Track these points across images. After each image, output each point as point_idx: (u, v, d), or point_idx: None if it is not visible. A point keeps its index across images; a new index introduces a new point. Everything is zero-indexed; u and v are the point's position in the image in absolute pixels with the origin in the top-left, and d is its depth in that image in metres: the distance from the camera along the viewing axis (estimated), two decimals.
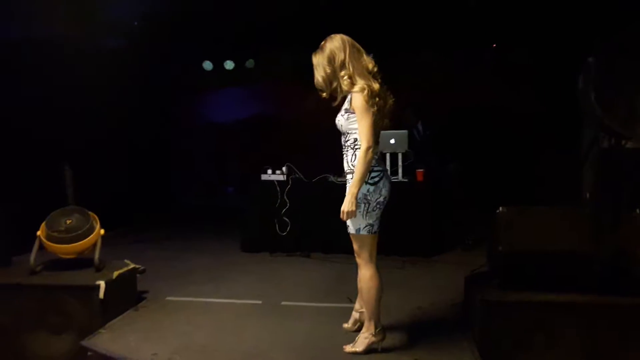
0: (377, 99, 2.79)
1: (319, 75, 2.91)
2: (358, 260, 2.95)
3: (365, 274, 2.89)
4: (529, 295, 2.96)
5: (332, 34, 2.94)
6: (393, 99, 2.94)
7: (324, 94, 2.94)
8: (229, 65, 8.42)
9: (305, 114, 8.12)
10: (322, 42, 2.92)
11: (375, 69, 2.87)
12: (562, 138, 6.32)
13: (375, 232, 2.90)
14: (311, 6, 6.21)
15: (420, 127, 6.47)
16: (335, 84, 2.89)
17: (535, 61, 7.14)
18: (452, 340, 3.10)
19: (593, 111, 3.79)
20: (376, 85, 2.80)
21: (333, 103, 2.97)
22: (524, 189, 6.57)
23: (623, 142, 3.82)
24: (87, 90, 6.14)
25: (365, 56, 2.88)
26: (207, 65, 8.45)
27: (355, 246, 2.93)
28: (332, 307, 3.71)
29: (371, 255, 2.90)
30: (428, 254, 5.28)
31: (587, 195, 4.00)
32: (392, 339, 3.08)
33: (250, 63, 8.40)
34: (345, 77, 2.82)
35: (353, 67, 2.82)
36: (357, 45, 2.88)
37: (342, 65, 2.84)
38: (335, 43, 2.86)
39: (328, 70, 2.87)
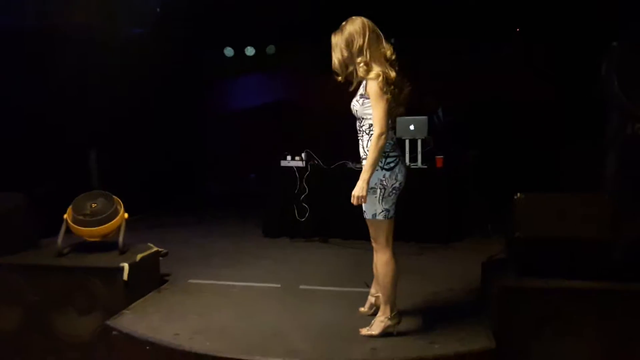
0: (392, 87, 2.78)
1: (335, 58, 2.90)
2: (374, 245, 2.97)
3: (382, 259, 2.92)
4: (546, 282, 2.95)
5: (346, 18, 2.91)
6: (409, 87, 2.91)
7: (340, 78, 2.93)
8: (250, 51, 8.45)
9: (325, 100, 8.15)
10: (343, 23, 2.88)
11: (394, 57, 2.85)
12: (585, 125, 6.22)
13: (391, 217, 2.92)
14: None
15: (440, 114, 6.43)
16: (351, 68, 2.89)
17: (558, 48, 7.02)
18: (469, 326, 3.11)
19: (616, 97, 3.73)
20: (392, 74, 2.79)
21: (350, 88, 2.97)
22: (545, 177, 6.50)
23: None
24: (112, 77, 6.24)
25: (384, 43, 2.85)
26: (228, 51, 8.50)
27: (371, 231, 2.95)
28: (349, 292, 3.76)
29: (387, 240, 2.92)
30: (446, 241, 5.29)
31: (607, 182, 3.94)
32: (407, 323, 3.11)
33: (270, 49, 8.41)
34: (362, 64, 2.81)
35: (370, 53, 2.80)
36: (377, 30, 2.85)
37: (360, 51, 2.81)
38: (355, 27, 2.83)
39: (345, 54, 2.86)
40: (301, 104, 8.54)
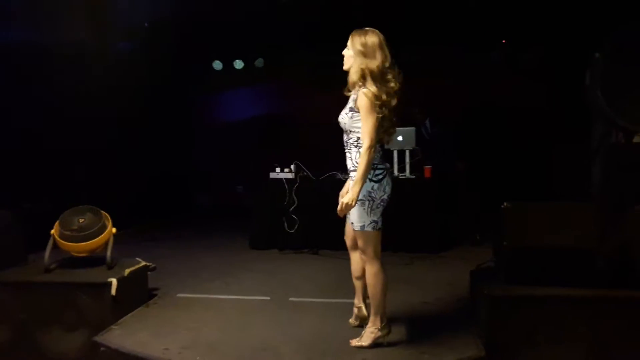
0: (383, 107, 2.81)
1: (345, 60, 2.94)
2: (362, 256, 2.99)
3: (371, 270, 2.93)
4: (534, 290, 2.97)
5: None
6: (396, 100, 2.90)
7: (345, 67, 2.94)
8: (239, 64, 8.48)
9: (313, 112, 8.19)
10: (362, 31, 2.89)
11: (396, 88, 2.85)
12: (572, 134, 6.30)
13: (379, 229, 2.93)
14: (321, 4, 6.24)
15: (427, 125, 6.48)
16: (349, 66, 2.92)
17: (545, 57, 7.12)
18: (458, 335, 3.12)
19: (600, 106, 3.79)
20: (387, 99, 2.81)
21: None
22: (534, 186, 6.57)
23: (633, 137, 3.82)
24: (100, 92, 6.23)
25: (390, 67, 2.86)
26: (217, 65, 8.52)
27: (360, 243, 2.96)
28: (339, 303, 3.74)
29: (376, 251, 2.93)
30: (435, 250, 5.31)
31: (594, 190, 3.99)
32: (398, 333, 3.11)
33: (259, 62, 8.45)
34: (360, 76, 2.83)
35: (371, 70, 2.82)
36: (387, 52, 2.86)
37: (365, 64, 2.83)
38: (369, 39, 2.84)
39: (352, 61, 2.89)
40: (290, 116, 8.58)
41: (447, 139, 6.36)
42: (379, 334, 2.97)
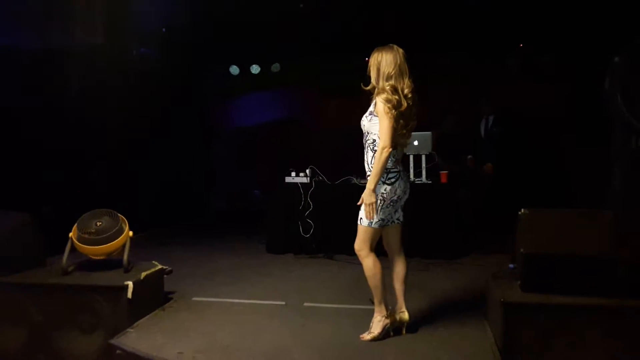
0: (400, 120, 3.02)
1: (369, 71, 3.18)
2: (360, 253, 3.15)
3: (368, 263, 3.13)
4: (550, 298, 2.93)
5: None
6: (415, 122, 3.15)
7: (368, 87, 3.18)
8: (255, 69, 8.54)
9: (329, 116, 8.21)
10: (385, 47, 3.14)
11: (410, 94, 3.07)
12: (591, 139, 6.21)
13: (383, 226, 3.15)
14: (335, 10, 6.26)
15: (490, 120, 6.38)
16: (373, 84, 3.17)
17: (563, 63, 7.04)
18: (474, 342, 3.10)
19: (620, 111, 3.73)
20: (404, 104, 3.03)
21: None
22: (551, 192, 6.49)
23: None
24: (119, 97, 6.32)
25: (407, 79, 3.09)
26: (234, 69, 8.59)
27: (360, 236, 3.13)
28: (354, 309, 3.74)
29: (371, 245, 3.14)
30: (451, 257, 5.25)
31: (613, 196, 3.93)
32: (412, 340, 3.12)
33: (275, 67, 8.50)
34: (381, 86, 3.08)
35: (392, 81, 3.06)
36: (406, 66, 3.11)
37: (383, 77, 3.09)
38: (389, 56, 3.09)
39: (373, 74, 3.15)
40: (306, 121, 8.60)
41: (505, 142, 6.28)
42: (387, 321, 3.17)
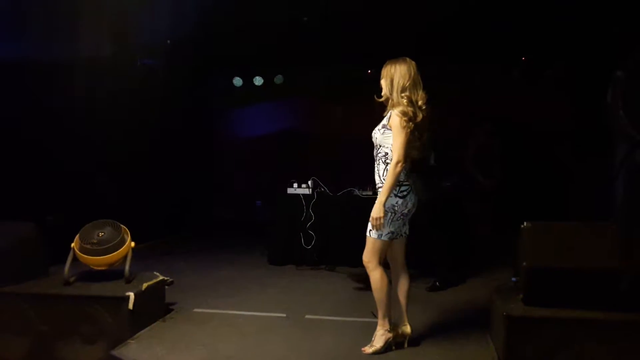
0: (412, 125, 3.01)
1: (382, 83, 3.17)
2: (368, 265, 3.12)
3: (376, 276, 3.10)
4: (553, 312, 2.92)
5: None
6: (423, 118, 3.09)
7: (381, 99, 3.18)
8: (258, 81, 8.58)
9: (331, 128, 8.23)
10: (398, 59, 3.13)
11: (424, 106, 3.08)
12: (593, 152, 6.21)
13: (393, 239, 3.11)
14: (338, 22, 6.30)
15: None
16: (387, 96, 3.16)
17: (565, 76, 7.06)
18: (477, 355, 3.09)
19: (622, 125, 3.73)
20: (420, 116, 3.04)
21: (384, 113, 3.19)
22: (554, 205, 6.47)
23: None
24: (122, 107, 6.34)
25: (420, 90, 3.10)
26: (237, 81, 8.64)
27: (369, 248, 3.11)
28: (356, 322, 3.73)
29: (380, 258, 3.11)
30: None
31: (617, 209, 3.91)
32: (416, 354, 3.11)
33: (278, 79, 8.54)
34: (394, 99, 3.08)
35: (407, 93, 3.05)
36: (419, 78, 3.12)
37: (399, 89, 3.08)
38: (403, 68, 3.09)
39: (386, 86, 3.14)
40: (308, 132, 8.62)
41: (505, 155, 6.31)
42: (389, 335, 3.14)
